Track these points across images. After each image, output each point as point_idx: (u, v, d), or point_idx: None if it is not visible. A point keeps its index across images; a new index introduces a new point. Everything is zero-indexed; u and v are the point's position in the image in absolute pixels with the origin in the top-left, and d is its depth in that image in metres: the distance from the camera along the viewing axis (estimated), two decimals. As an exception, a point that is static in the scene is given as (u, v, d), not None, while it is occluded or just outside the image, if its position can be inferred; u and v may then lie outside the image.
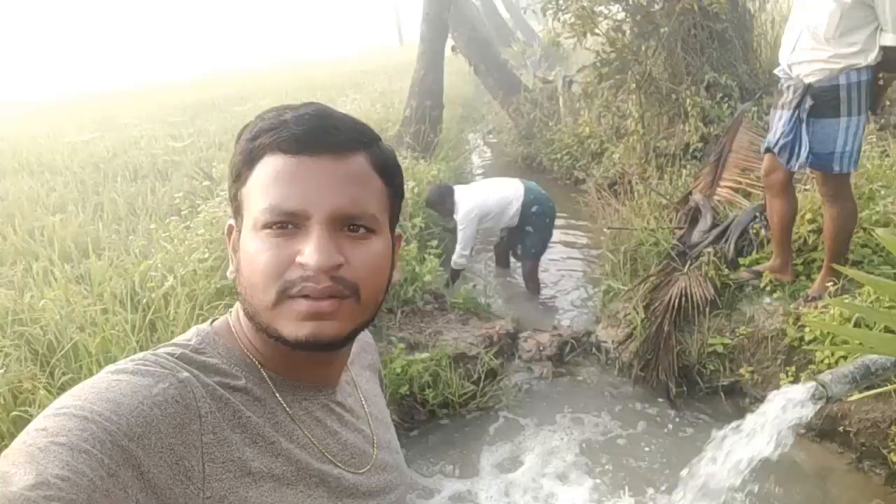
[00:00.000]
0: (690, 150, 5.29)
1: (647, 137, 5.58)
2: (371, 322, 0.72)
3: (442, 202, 4.51)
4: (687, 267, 3.74)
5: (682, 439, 3.10)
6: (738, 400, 3.25)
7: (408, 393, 3.28)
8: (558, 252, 5.28)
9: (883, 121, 4.86)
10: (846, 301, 2.92)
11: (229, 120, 8.53)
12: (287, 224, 0.64)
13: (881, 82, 2.85)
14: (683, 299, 3.51)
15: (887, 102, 4.80)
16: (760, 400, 2.55)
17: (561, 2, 5.98)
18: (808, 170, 3.23)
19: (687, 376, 3.38)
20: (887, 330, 2.79)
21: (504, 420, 3.37)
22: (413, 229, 4.36)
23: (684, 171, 5.02)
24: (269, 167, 0.65)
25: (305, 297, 0.63)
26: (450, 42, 8.73)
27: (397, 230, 0.77)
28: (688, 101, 5.47)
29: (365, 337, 0.95)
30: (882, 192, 3.57)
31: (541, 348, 3.90)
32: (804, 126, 2.92)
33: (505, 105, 8.87)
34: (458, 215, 4.41)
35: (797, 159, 2.97)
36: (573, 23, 5.81)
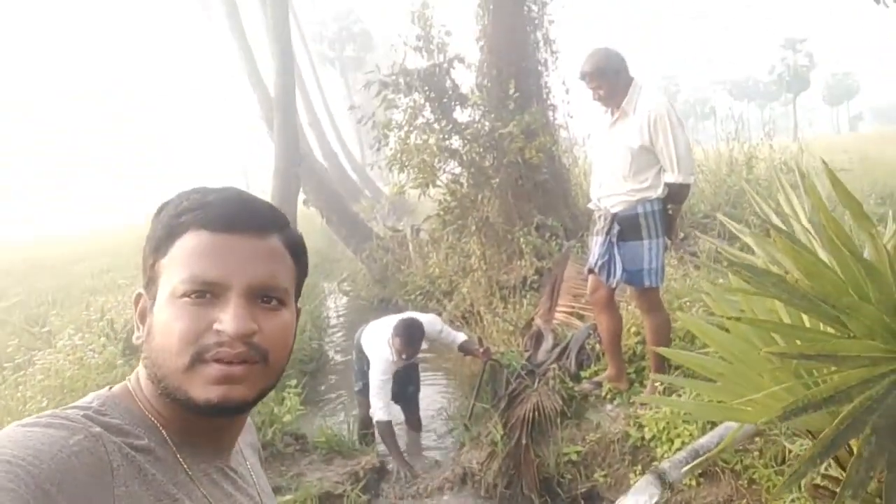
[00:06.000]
0: (528, 282, 5.82)
1: (490, 273, 6.08)
2: (273, 387, 0.77)
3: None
4: (537, 384, 4.00)
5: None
6: (596, 505, 3.40)
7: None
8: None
9: (682, 251, 5.75)
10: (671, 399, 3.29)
11: (64, 278, 7.97)
12: (205, 293, 0.69)
13: (670, 212, 3.47)
14: (537, 413, 3.72)
15: (681, 234, 5.71)
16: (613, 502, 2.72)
17: (404, 158, 6.61)
18: (625, 287, 3.73)
19: (549, 489, 3.50)
20: (709, 422, 3.18)
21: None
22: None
23: (525, 301, 5.48)
24: (192, 242, 0.71)
25: (218, 361, 0.68)
26: (301, 196, 9.08)
27: (298, 304, 0.83)
28: (521, 240, 6.12)
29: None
30: (688, 305, 4.17)
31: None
32: (616, 248, 3.43)
33: (358, 252, 9.22)
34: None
35: (614, 276, 3.44)
36: (416, 176, 6.40)
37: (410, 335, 4.03)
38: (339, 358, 6.57)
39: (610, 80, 3.33)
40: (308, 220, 10.93)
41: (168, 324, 0.69)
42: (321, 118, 20.45)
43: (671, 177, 3.32)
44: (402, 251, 8.64)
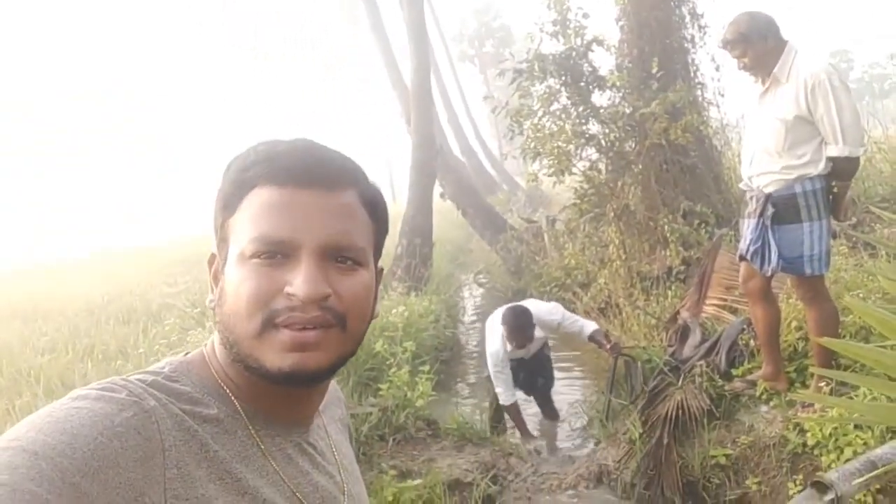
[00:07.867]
0: (673, 272, 5.43)
1: (630, 263, 5.75)
2: (352, 355, 0.71)
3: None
4: (681, 381, 3.70)
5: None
6: (748, 515, 3.07)
7: (400, 523, 3.09)
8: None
9: (854, 239, 5.07)
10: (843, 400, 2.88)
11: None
12: (276, 254, 0.64)
13: (836, 190, 3.04)
14: (681, 412, 3.44)
15: (853, 218, 5.04)
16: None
17: (537, 145, 6.45)
18: (785, 276, 3.34)
19: (693, 492, 3.22)
20: (889, 429, 2.75)
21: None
22: (404, 353, 4.34)
23: (670, 293, 5.12)
24: (261, 198, 0.65)
25: (289, 326, 0.63)
26: (438, 189, 9.25)
27: (379, 265, 0.77)
28: (666, 228, 5.71)
29: (335, 391, 0.93)
30: (861, 299, 3.64)
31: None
32: (770, 233, 3.06)
33: (493, 244, 9.21)
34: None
35: (769, 264, 3.07)
36: (550, 163, 6.22)
37: (516, 323, 3.97)
38: (472, 347, 6.60)
39: (755, 47, 2.97)
40: (444, 214, 11.11)
41: (238, 287, 0.64)
42: (460, 115, 20.75)
43: (835, 149, 2.90)
44: (536, 242, 8.49)
